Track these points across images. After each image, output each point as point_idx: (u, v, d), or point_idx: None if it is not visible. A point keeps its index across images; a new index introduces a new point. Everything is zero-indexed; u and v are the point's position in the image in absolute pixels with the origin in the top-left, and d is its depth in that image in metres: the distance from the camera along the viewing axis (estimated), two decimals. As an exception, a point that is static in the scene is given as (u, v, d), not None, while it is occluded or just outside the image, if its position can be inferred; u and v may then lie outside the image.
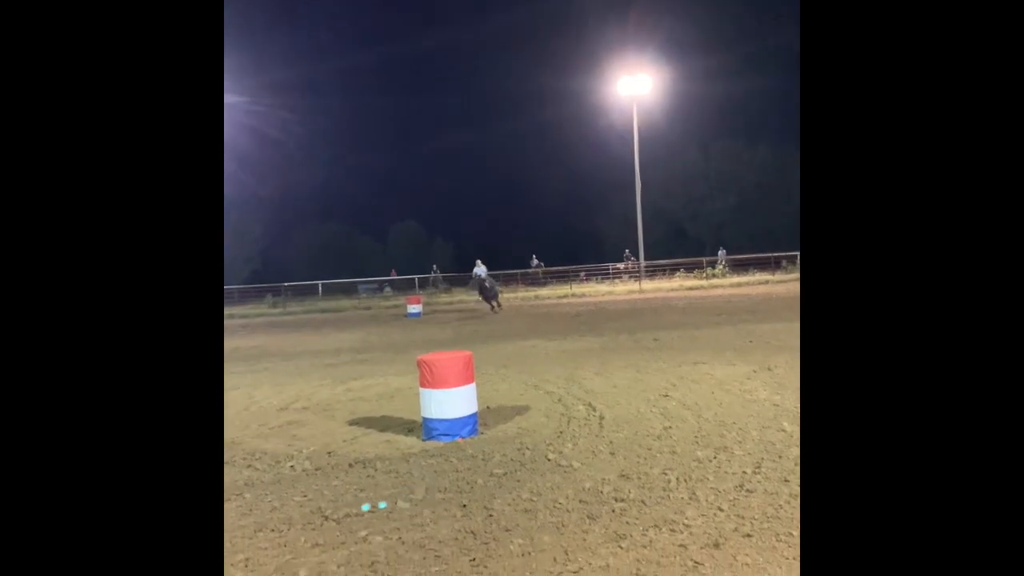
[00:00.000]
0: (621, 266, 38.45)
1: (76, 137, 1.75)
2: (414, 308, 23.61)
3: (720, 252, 39.20)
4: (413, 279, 41.83)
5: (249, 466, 5.40)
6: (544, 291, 31.70)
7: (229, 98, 43.19)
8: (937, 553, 1.65)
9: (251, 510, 4.34)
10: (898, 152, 1.81)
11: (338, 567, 3.41)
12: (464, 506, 4.18)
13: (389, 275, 44.48)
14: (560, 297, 28.74)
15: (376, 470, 5.07)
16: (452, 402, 5.86)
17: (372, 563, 3.43)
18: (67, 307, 1.71)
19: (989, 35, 1.76)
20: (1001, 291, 1.72)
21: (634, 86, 37.59)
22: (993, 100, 1.75)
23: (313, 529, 3.95)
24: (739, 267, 34.82)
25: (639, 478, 4.52)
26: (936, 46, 1.80)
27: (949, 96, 1.79)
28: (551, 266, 39.07)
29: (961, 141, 1.78)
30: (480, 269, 24.47)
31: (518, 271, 38.82)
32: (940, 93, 1.79)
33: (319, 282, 41.35)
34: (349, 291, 40.98)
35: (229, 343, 17.10)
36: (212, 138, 1.92)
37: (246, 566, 3.48)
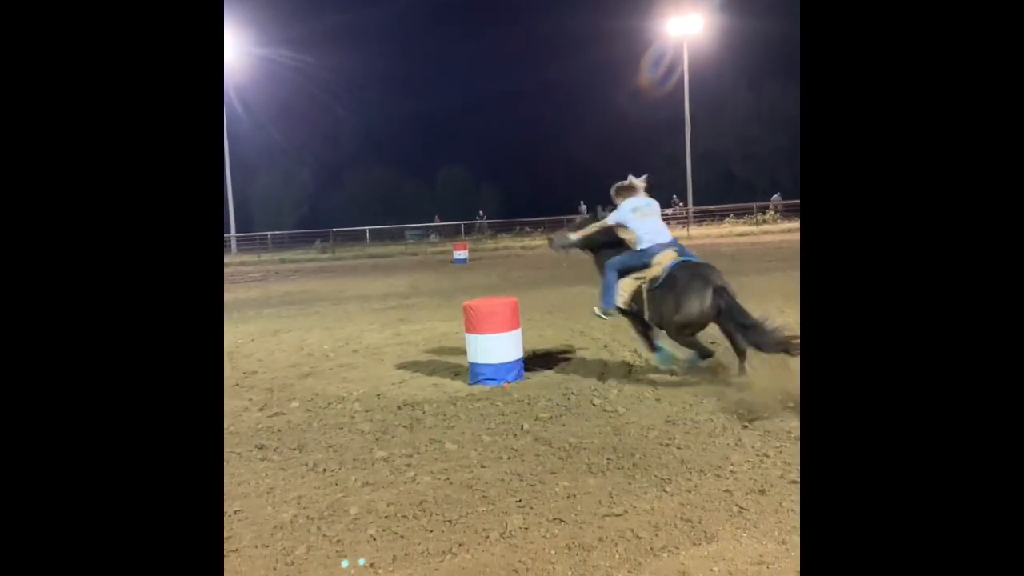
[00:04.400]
0: (668, 211, 37.90)
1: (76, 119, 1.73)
2: (460, 254, 23.73)
3: (775, 196, 38.27)
4: (459, 225, 41.92)
5: (302, 407, 5.55)
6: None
7: (276, 45, 43.15)
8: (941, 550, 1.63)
9: (303, 449, 4.47)
10: (900, 145, 1.76)
11: (388, 505, 3.50)
12: (511, 448, 4.24)
13: (433, 221, 44.64)
14: (607, 243, 28.46)
15: (424, 412, 5.16)
16: (498, 347, 5.90)
17: (420, 502, 3.51)
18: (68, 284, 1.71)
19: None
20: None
21: (684, 25, 36.61)
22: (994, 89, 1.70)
23: (363, 469, 4.05)
24: (792, 212, 33.80)
25: (685, 424, 4.53)
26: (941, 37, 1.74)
27: (953, 92, 1.73)
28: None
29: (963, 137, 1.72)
30: None
31: (564, 216, 38.58)
32: (944, 88, 1.74)
33: (367, 228, 41.73)
34: (396, 237, 41.32)
35: (280, 287, 17.46)
36: (211, 118, 1.88)
37: (299, 503, 3.60)
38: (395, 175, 64.96)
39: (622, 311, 5.97)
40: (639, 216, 5.83)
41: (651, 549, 2.93)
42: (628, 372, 6.02)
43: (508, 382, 5.86)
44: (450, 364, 6.83)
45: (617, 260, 5.91)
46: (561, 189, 52.00)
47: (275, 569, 2.92)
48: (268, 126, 51.26)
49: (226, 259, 32.03)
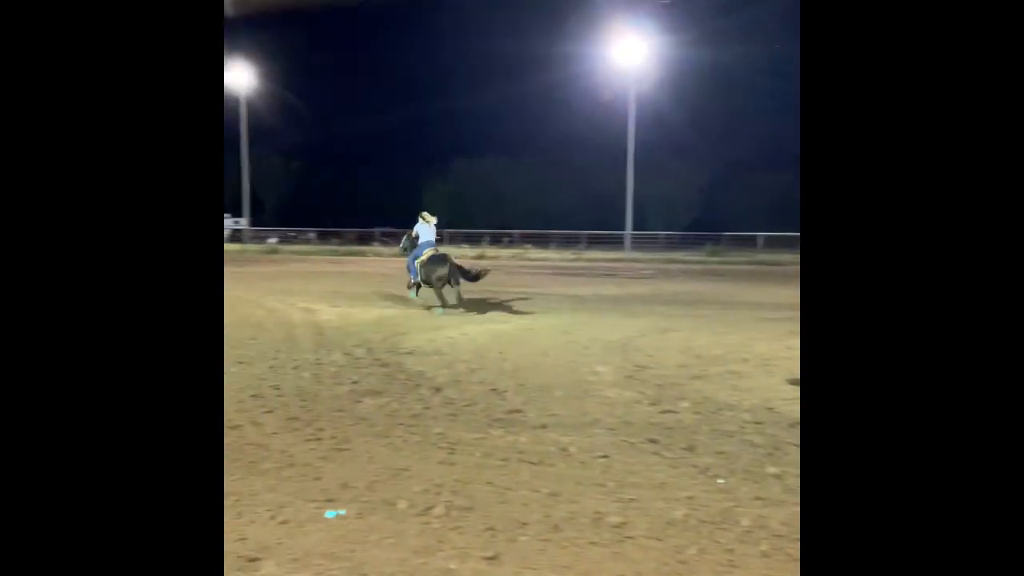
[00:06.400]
0: None
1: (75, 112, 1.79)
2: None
3: None
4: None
5: (692, 409, 5.61)
6: None
7: (683, 47, 43.79)
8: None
9: (693, 450, 4.52)
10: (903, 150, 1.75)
11: (780, 524, 3.37)
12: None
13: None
14: None
15: (820, 435, 4.86)
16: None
17: (817, 530, 3.32)
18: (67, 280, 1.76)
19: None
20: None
21: None
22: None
23: (755, 482, 3.96)
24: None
25: None
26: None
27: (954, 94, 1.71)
28: None
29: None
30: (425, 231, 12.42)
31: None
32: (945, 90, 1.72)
33: (760, 234, 40.60)
34: (792, 245, 39.47)
35: (669, 287, 17.83)
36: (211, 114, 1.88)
37: (689, 504, 3.64)
38: (793, 179, 61.93)
39: (419, 284, 12.23)
40: (424, 228, 12.40)
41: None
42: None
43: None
44: (850, 387, 6.33)
45: (413, 253, 12.25)
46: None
47: (666, 564, 3.00)
48: (671, 127, 52.41)
49: (619, 255, 33.69)
